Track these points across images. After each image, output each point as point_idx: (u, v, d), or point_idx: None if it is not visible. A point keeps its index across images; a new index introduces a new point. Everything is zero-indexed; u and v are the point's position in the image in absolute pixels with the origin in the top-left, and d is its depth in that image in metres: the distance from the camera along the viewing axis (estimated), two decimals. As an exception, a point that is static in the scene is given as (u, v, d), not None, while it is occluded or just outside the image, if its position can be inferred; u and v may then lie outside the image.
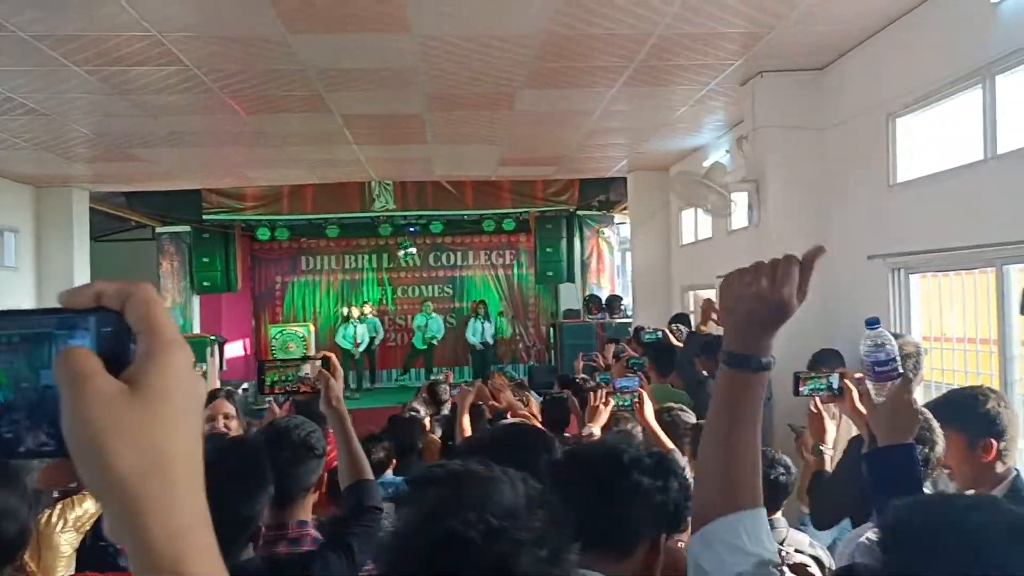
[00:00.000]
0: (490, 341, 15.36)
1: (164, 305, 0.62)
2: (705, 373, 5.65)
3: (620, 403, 4.02)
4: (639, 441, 3.15)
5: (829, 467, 3.29)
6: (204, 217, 13.02)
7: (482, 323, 15.30)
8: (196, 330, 13.78)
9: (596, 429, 3.69)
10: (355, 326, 15.11)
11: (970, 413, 2.63)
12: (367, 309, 15.38)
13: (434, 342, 15.46)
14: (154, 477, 0.56)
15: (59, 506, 2.90)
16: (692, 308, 9.40)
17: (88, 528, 2.95)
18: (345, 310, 15.61)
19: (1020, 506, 2.20)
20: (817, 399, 3.26)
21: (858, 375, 3.38)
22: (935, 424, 2.55)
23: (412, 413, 6.22)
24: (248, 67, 5.68)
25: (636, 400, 4.00)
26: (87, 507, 2.93)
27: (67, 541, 2.87)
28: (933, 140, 5.12)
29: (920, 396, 4.91)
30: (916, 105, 5.06)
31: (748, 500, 1.30)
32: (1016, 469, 2.62)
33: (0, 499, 1.73)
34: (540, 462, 1.96)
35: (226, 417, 4.37)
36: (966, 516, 1.11)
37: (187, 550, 0.56)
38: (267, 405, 6.17)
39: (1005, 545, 1.04)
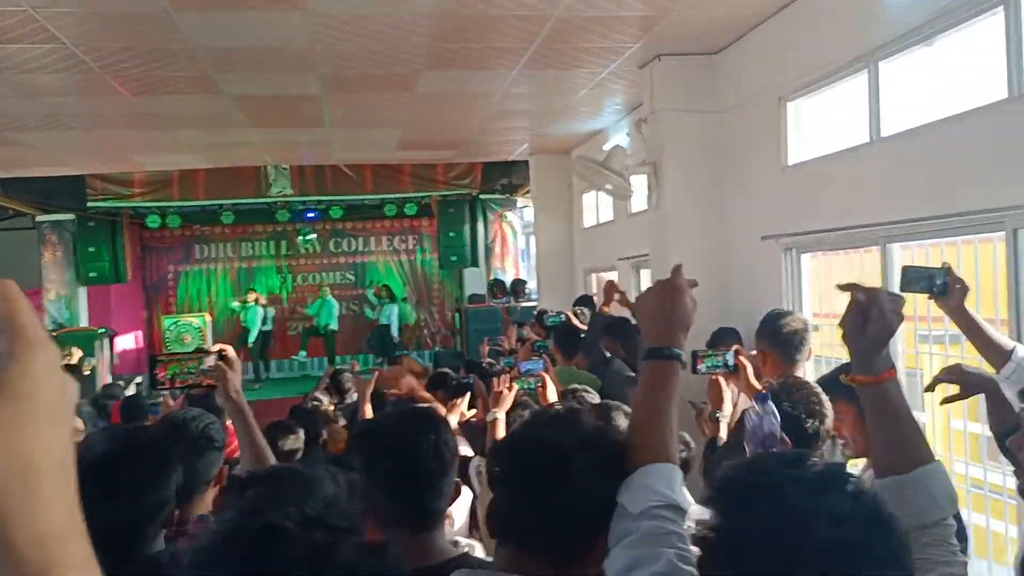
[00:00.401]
0: (389, 324, 15.21)
1: (27, 303, 0.58)
2: (609, 354, 5.72)
3: (524, 387, 4.02)
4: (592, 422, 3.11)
5: (724, 434, 3.37)
6: (89, 204, 12.40)
7: (385, 304, 15.16)
8: (84, 323, 13.17)
9: (501, 414, 3.68)
10: (255, 309, 14.70)
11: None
12: (251, 297, 14.90)
13: (331, 327, 15.13)
14: (18, 484, 0.53)
15: None
16: (595, 290, 9.51)
17: None
18: (236, 303, 15.12)
19: None
20: None
21: (754, 352, 3.47)
22: (824, 398, 2.63)
23: (315, 403, 6.08)
24: (131, 45, 5.41)
25: (539, 384, 4.01)
26: None
27: None
28: (822, 123, 5.29)
29: (810, 371, 5.09)
30: (806, 89, 5.21)
31: (663, 457, 1.54)
32: None
33: None
34: (427, 444, 1.92)
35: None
36: (778, 471, 1.23)
37: (57, 559, 0.53)
38: (160, 400, 5.94)
39: (808, 495, 1.15)
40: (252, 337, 14.58)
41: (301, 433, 4.52)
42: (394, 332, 15.22)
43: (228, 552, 1.05)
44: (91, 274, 13.35)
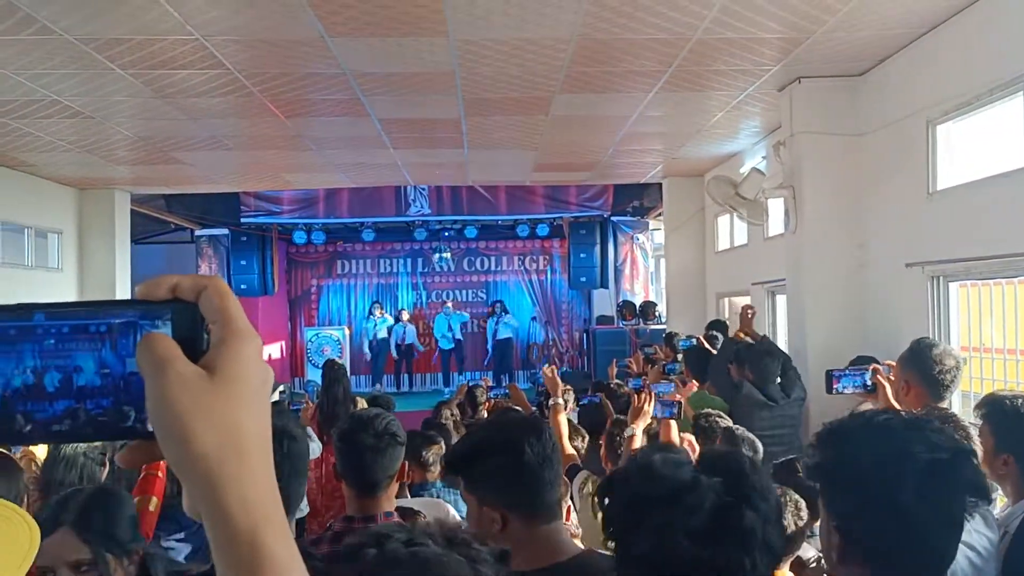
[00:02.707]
0: (511, 337, 15.45)
1: (235, 297, 0.66)
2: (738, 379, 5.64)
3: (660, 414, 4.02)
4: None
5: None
6: (242, 220, 13.19)
7: (497, 321, 15.39)
8: (232, 332, 13.93)
9: (639, 429, 3.71)
10: (375, 323, 15.22)
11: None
12: (376, 312, 15.48)
13: (460, 338, 15.50)
14: (232, 454, 0.61)
15: None
16: (727, 315, 9.34)
17: None
18: (374, 308, 15.68)
19: None
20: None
21: (888, 362, 3.35)
22: (972, 432, 2.53)
23: (447, 417, 6.22)
24: (289, 71, 5.77)
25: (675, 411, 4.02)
26: None
27: None
28: (974, 147, 5.06)
29: (958, 406, 4.85)
30: (956, 112, 5.00)
31: None
32: None
33: None
34: (529, 446, 1.92)
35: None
36: (875, 416, 1.56)
37: (261, 521, 0.61)
38: (302, 406, 6.25)
39: (902, 431, 1.46)
40: (382, 347, 15.14)
41: (442, 443, 4.53)
42: (501, 339, 15.43)
43: None
44: (242, 286, 14.15)
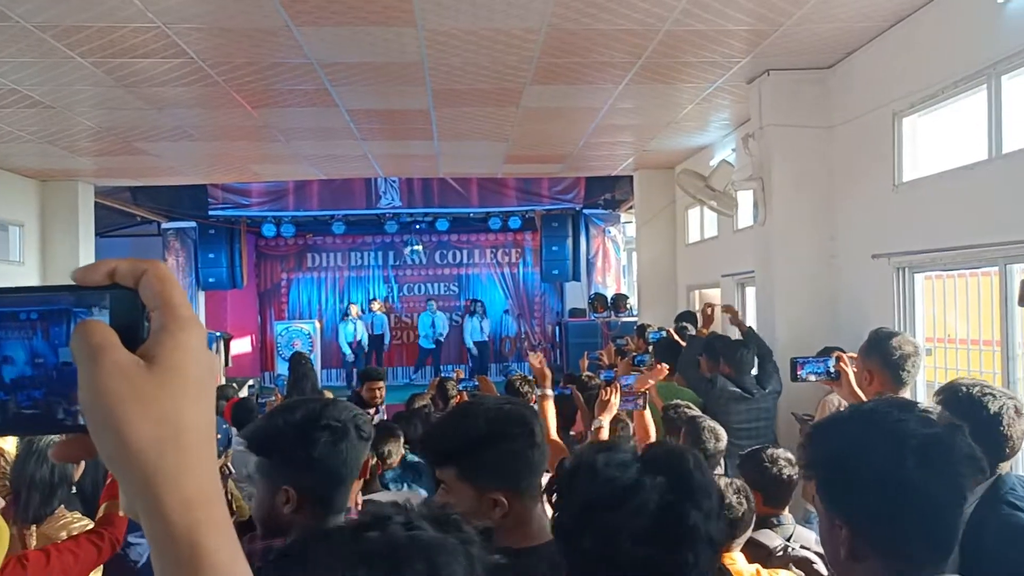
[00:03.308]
0: (485, 339, 15.43)
1: (178, 282, 0.62)
2: (709, 373, 5.65)
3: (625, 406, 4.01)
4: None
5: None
6: (210, 212, 13.05)
7: (479, 321, 15.35)
8: (201, 326, 13.80)
9: (605, 422, 3.70)
10: (354, 323, 15.09)
11: (976, 418, 2.55)
12: (375, 306, 15.40)
13: (441, 339, 15.48)
14: (170, 448, 0.57)
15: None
16: (697, 307, 9.38)
17: None
18: (350, 308, 15.55)
19: (996, 506, 2.30)
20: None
21: (851, 354, 3.37)
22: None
23: (422, 407, 6.23)
24: (254, 60, 5.68)
25: (640, 405, 4.02)
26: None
27: None
28: (939, 139, 5.11)
29: (923, 396, 4.90)
30: (922, 105, 5.04)
31: None
32: (1001, 473, 2.52)
33: None
34: (538, 429, 1.94)
35: None
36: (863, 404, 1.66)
37: (201, 520, 0.57)
38: (272, 399, 6.20)
39: (895, 412, 1.47)
40: (364, 345, 15.05)
41: (402, 438, 4.63)
42: (479, 340, 15.44)
43: None
44: (210, 279, 14.01)
